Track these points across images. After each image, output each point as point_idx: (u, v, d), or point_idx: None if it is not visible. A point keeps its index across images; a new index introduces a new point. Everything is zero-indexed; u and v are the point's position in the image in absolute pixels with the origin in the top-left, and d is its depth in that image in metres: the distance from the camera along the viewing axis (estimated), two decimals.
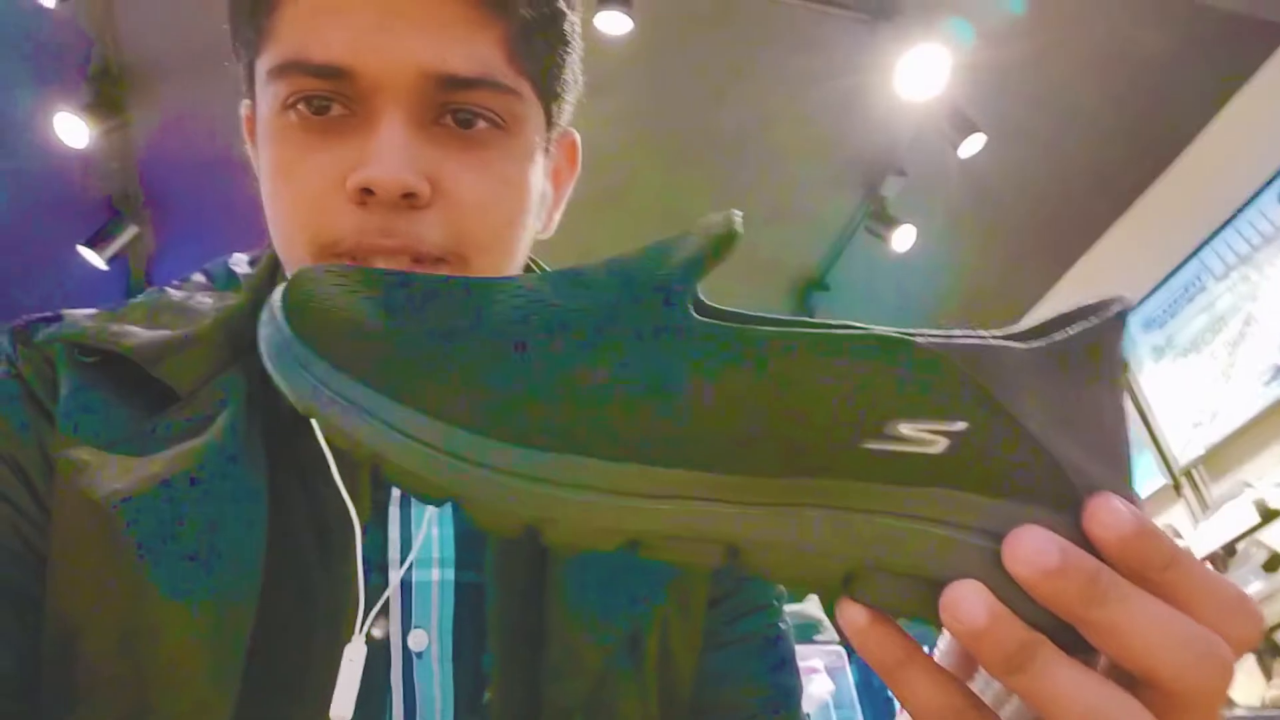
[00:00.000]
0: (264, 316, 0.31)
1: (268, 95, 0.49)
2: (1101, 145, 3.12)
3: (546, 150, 0.55)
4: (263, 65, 0.49)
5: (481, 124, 0.49)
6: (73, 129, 2.59)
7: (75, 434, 0.48)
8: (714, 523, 0.28)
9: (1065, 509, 0.28)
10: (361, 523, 0.50)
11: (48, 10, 2.28)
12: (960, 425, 0.28)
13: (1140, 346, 3.27)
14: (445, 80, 0.47)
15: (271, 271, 0.58)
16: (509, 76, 0.49)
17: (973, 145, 2.80)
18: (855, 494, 0.28)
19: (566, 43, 0.54)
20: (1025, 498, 0.28)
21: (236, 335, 0.53)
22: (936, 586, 0.28)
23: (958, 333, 0.30)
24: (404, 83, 0.47)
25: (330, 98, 0.47)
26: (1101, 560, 0.27)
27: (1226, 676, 0.27)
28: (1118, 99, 2.94)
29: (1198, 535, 2.90)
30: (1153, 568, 0.27)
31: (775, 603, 0.64)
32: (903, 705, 0.30)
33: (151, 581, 0.44)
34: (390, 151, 0.46)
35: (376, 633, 0.50)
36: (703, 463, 0.28)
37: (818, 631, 1.75)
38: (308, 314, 0.30)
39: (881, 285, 3.71)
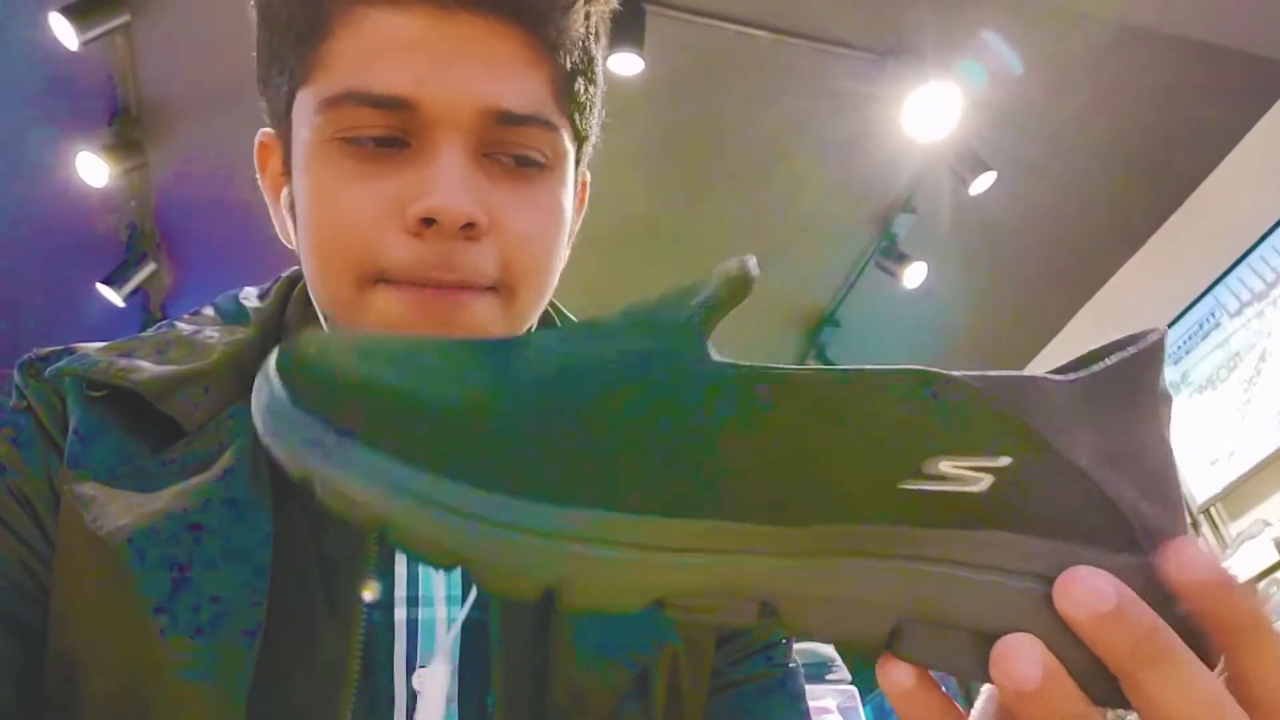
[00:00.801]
0: (258, 381, 0.30)
1: (316, 123, 0.49)
2: (1114, 182, 3.12)
3: (576, 186, 0.57)
4: (312, 94, 0.49)
5: (530, 159, 0.50)
6: (93, 169, 2.63)
7: (81, 468, 0.48)
8: (745, 577, 0.27)
9: (1122, 550, 0.27)
10: (368, 567, 0.50)
11: (71, 54, 2.33)
12: (1004, 461, 0.26)
13: None
14: (502, 116, 0.48)
15: (282, 304, 0.59)
16: (556, 115, 0.51)
17: (984, 183, 2.81)
18: (896, 539, 0.27)
19: (597, 86, 0.55)
20: (1078, 537, 0.27)
21: (244, 369, 0.53)
22: (984, 638, 0.26)
23: (995, 371, 0.28)
24: (464, 117, 0.48)
25: (387, 129, 0.48)
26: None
27: None
28: (1130, 136, 2.96)
29: None
30: (1231, 626, 0.26)
31: (784, 641, 0.64)
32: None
33: (154, 620, 0.44)
34: (453, 182, 0.47)
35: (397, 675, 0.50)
36: (731, 513, 0.26)
37: (829, 670, 1.73)
38: (305, 376, 0.29)
39: (892, 322, 3.71)
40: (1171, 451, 0.29)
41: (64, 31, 2.27)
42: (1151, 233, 3.40)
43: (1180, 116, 2.92)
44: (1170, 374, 3.18)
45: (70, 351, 0.54)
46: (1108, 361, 0.29)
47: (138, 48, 2.51)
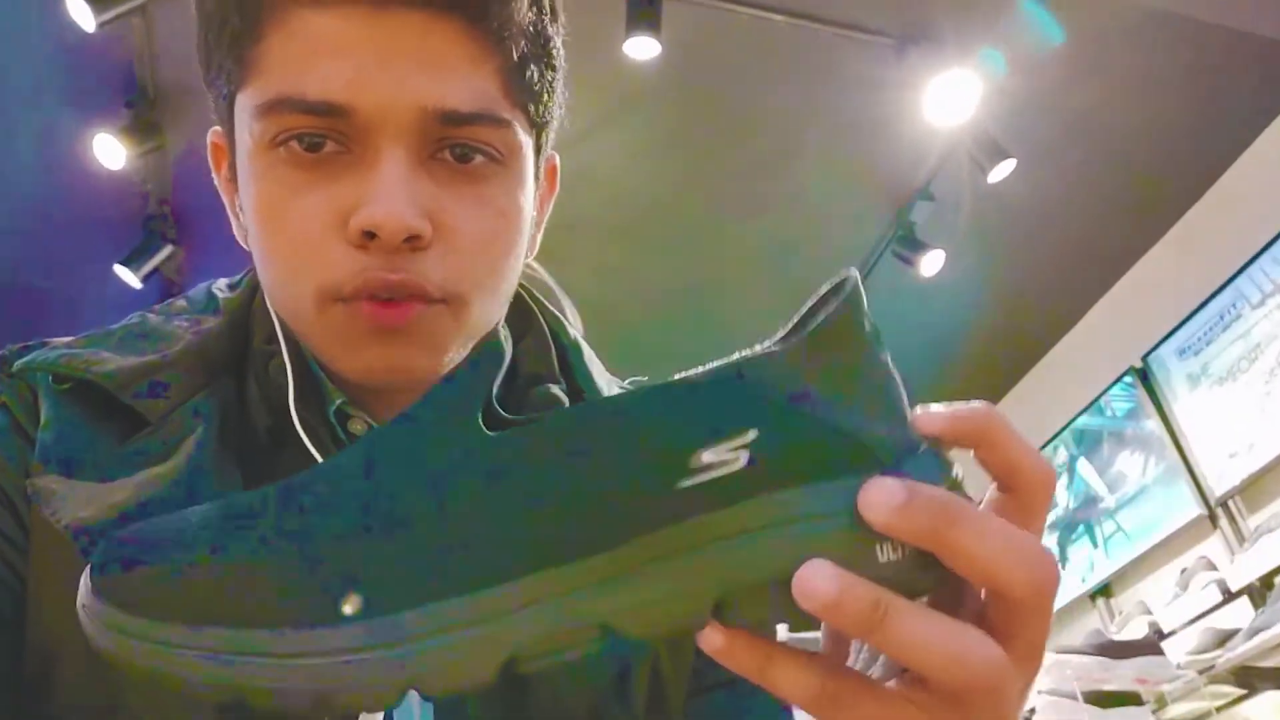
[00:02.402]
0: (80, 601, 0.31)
1: (254, 130, 0.47)
2: (1136, 171, 3.08)
3: (536, 177, 0.55)
4: (248, 99, 0.47)
5: (479, 158, 0.48)
6: (111, 151, 2.64)
7: (47, 460, 0.48)
8: (578, 611, 0.29)
9: (872, 470, 0.30)
10: None
11: (89, 35, 2.33)
12: (751, 434, 0.30)
13: (1175, 374, 3.22)
14: (445, 116, 0.46)
15: (251, 294, 0.58)
16: (505, 109, 0.48)
17: (1003, 171, 2.78)
18: (692, 531, 0.29)
19: (555, 69, 0.53)
20: (834, 473, 0.30)
21: (210, 359, 0.53)
22: (790, 585, 0.29)
23: (716, 363, 0.32)
24: (403, 120, 0.46)
25: (325, 135, 0.46)
26: None
27: (1057, 578, 0.31)
28: (1153, 124, 2.92)
29: (1234, 568, 2.83)
30: (942, 529, 0.30)
31: None
32: (787, 701, 0.32)
33: None
34: (392, 192, 0.45)
35: None
36: (545, 561, 0.29)
37: None
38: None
39: (908, 310, 3.68)
40: (888, 369, 0.33)
41: (81, 13, 2.27)
42: (1173, 222, 3.36)
43: (1204, 104, 2.88)
44: (1190, 365, 3.15)
45: (42, 345, 0.54)
46: (815, 321, 0.32)
47: (155, 29, 2.51)
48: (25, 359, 0.52)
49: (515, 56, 0.48)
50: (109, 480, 0.47)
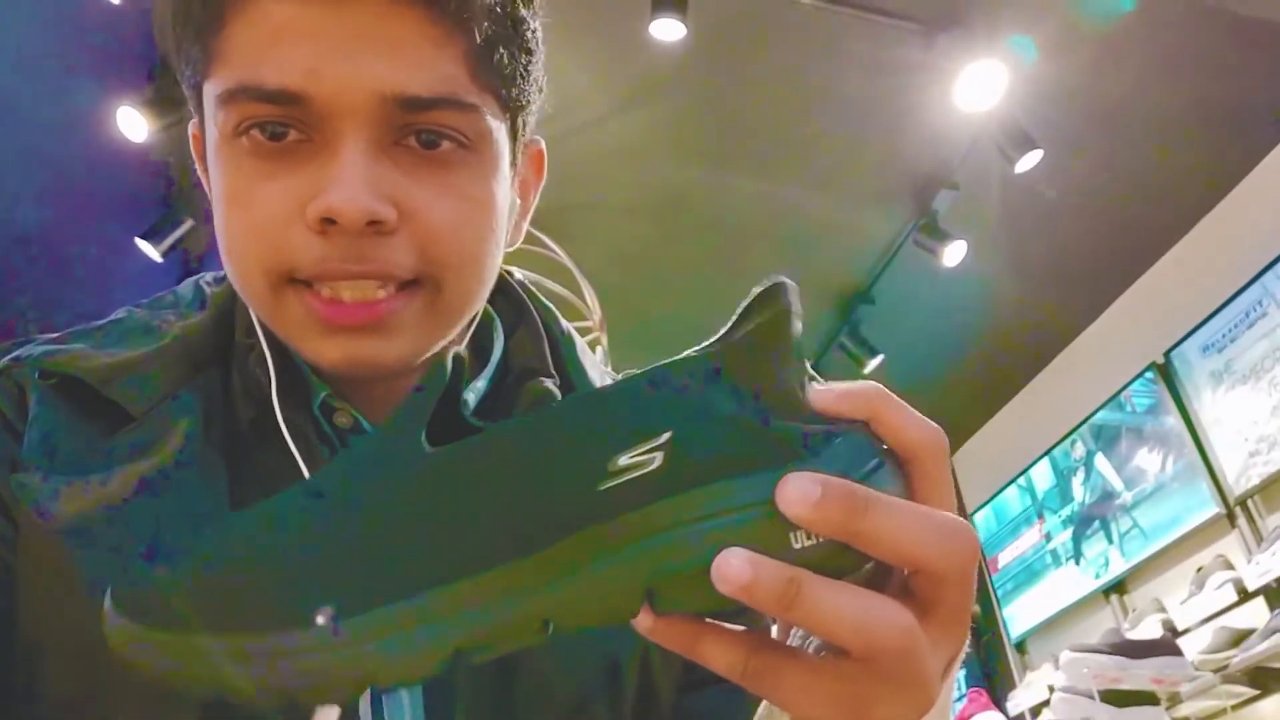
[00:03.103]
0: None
1: (218, 120, 0.47)
2: (1164, 163, 3.04)
3: (514, 163, 0.55)
4: (212, 88, 0.47)
5: (445, 144, 0.48)
6: (133, 124, 2.65)
7: (33, 456, 0.48)
8: (520, 607, 0.32)
9: (786, 463, 0.32)
10: None
11: (113, 7, 2.33)
12: (665, 435, 0.32)
13: (1197, 371, 3.18)
14: (405, 102, 0.46)
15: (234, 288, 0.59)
16: (472, 93, 0.48)
17: (1030, 161, 2.74)
18: (615, 531, 0.32)
19: (530, 52, 0.52)
20: (749, 467, 0.32)
21: (195, 353, 0.54)
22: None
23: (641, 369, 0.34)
24: (362, 107, 0.45)
25: (285, 123, 0.46)
26: None
27: (974, 548, 0.33)
28: (1182, 115, 2.87)
29: (1251, 567, 2.81)
30: (853, 521, 0.31)
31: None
32: (724, 676, 0.33)
33: (95, 604, 0.44)
34: (352, 178, 0.45)
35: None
36: (485, 563, 0.31)
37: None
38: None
39: (929, 300, 3.66)
40: (807, 371, 0.34)
41: None
42: (1200, 217, 3.31)
43: (1234, 95, 2.83)
44: (1214, 362, 3.11)
45: (29, 342, 0.54)
46: (743, 330, 0.34)
47: None
48: (11, 355, 0.53)
49: (480, 39, 0.47)
50: (95, 475, 0.48)
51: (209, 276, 0.62)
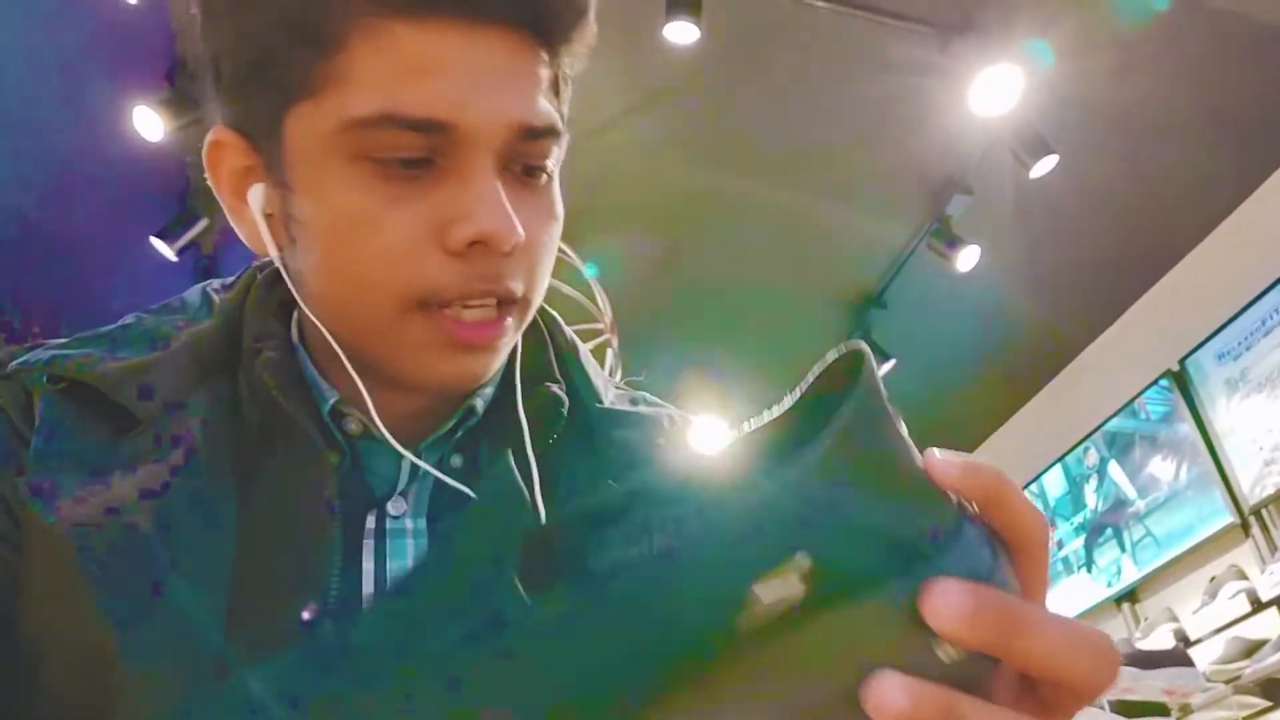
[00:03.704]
0: None
1: (337, 143, 0.47)
2: (1180, 169, 3.02)
3: None
4: (327, 111, 0.47)
5: (541, 170, 0.51)
6: (149, 123, 2.66)
7: (41, 461, 0.48)
8: None
9: (922, 569, 0.30)
10: (334, 549, 0.50)
11: (130, 6, 2.35)
12: (799, 556, 0.29)
13: (1213, 379, 3.16)
14: (526, 132, 0.49)
15: (244, 294, 0.59)
16: (560, 120, 0.51)
17: (1045, 166, 2.73)
18: (759, 663, 0.30)
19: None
20: (886, 578, 0.29)
21: (203, 359, 0.54)
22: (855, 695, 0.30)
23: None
24: (496, 136, 0.48)
25: (421, 151, 0.47)
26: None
27: (1117, 666, 0.31)
28: (1199, 120, 2.85)
29: (1265, 578, 2.78)
30: (1008, 639, 0.29)
31: None
32: None
33: (103, 610, 0.44)
34: (500, 204, 0.47)
35: None
36: (621, 708, 0.29)
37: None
38: None
39: (942, 305, 3.64)
40: (911, 450, 0.31)
41: None
42: (1217, 223, 3.29)
43: (1251, 101, 2.81)
44: (1229, 370, 3.09)
45: (38, 347, 0.55)
46: (837, 418, 0.30)
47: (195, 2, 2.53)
48: (19, 360, 0.53)
49: (564, 69, 0.51)
50: (102, 479, 0.48)
51: (216, 283, 0.62)
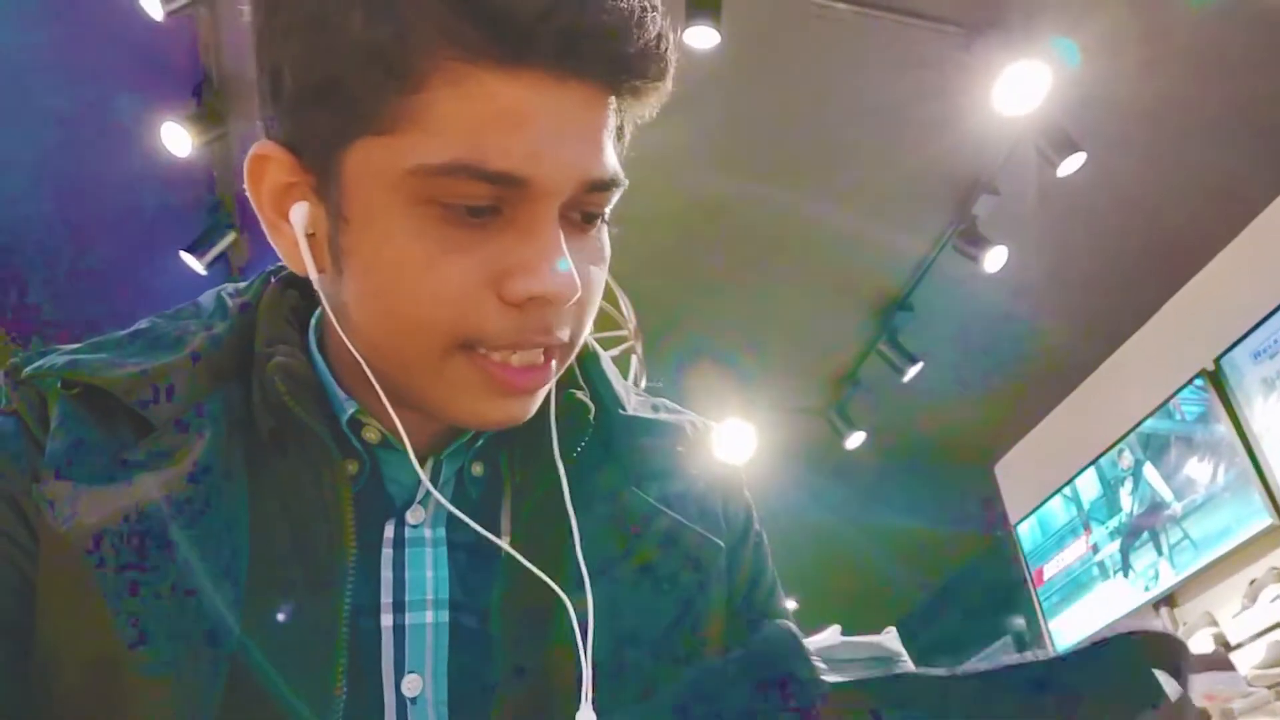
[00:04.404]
0: None
1: (406, 185, 0.46)
2: (1211, 164, 2.97)
3: None
4: (399, 152, 0.45)
5: (598, 217, 0.51)
6: (177, 138, 2.70)
7: (56, 467, 0.48)
8: None
9: None
10: (350, 571, 0.50)
11: (157, 23, 2.38)
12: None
13: (1249, 378, 3.10)
14: (592, 185, 0.48)
15: (257, 299, 0.58)
16: (620, 168, 0.51)
17: (1073, 164, 2.70)
18: None
19: None
20: None
21: (217, 364, 0.54)
22: None
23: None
24: (567, 190, 0.47)
25: (491, 201, 0.46)
26: None
27: None
28: (1229, 114, 2.81)
29: None
30: None
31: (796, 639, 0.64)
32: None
33: (116, 616, 0.44)
34: (561, 262, 0.47)
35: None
36: None
37: (896, 665, 1.70)
38: None
39: (969, 307, 3.61)
40: None
41: (150, 2, 2.31)
42: (1252, 218, 3.23)
43: None
44: (1265, 369, 3.03)
45: (52, 352, 0.55)
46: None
47: (221, 18, 2.56)
48: (34, 365, 0.53)
49: (624, 123, 0.51)
50: (117, 484, 0.48)
51: (230, 288, 0.62)
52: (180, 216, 3.05)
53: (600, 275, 0.52)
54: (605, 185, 0.49)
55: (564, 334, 0.50)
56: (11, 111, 2.71)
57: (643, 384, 2.84)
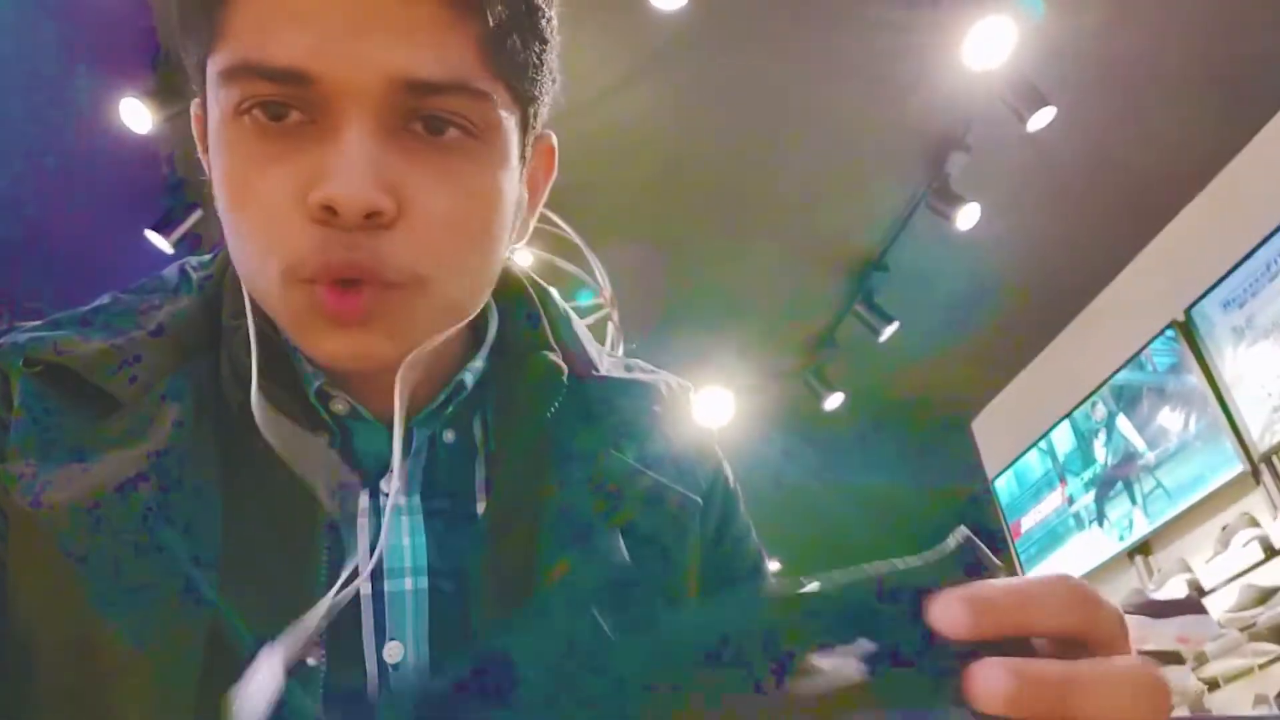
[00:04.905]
0: None
1: (219, 97, 0.45)
2: (1179, 117, 2.99)
3: (523, 156, 0.53)
4: (214, 65, 0.45)
5: (452, 131, 0.46)
6: (137, 114, 2.64)
7: (21, 445, 0.47)
8: None
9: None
10: (325, 541, 0.49)
11: None
12: (867, 645, 0.31)
13: (1219, 328, 3.14)
14: (414, 86, 0.44)
15: (223, 270, 0.57)
16: (483, 79, 0.46)
17: (1042, 119, 2.70)
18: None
19: (545, 40, 0.50)
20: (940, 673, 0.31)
21: (183, 337, 0.53)
22: None
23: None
24: (369, 89, 0.44)
25: (289, 104, 0.44)
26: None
27: (1171, 703, 0.32)
28: (1196, 69, 2.82)
29: (1277, 525, 2.78)
30: (1058, 708, 0.30)
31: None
32: None
33: (88, 593, 0.44)
34: (354, 166, 0.43)
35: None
36: None
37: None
38: None
39: (943, 265, 3.62)
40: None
41: None
42: (1219, 170, 3.26)
43: (1248, 48, 2.77)
44: (1235, 318, 3.07)
45: (12, 330, 0.53)
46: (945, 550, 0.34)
47: None
48: None
49: (493, 23, 0.45)
50: (84, 462, 0.47)
51: (194, 260, 0.61)
52: (145, 195, 2.99)
53: (460, 205, 0.47)
54: (435, 88, 0.44)
55: (388, 264, 0.45)
56: None
57: (620, 350, 2.83)
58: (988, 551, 0.34)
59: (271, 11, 0.43)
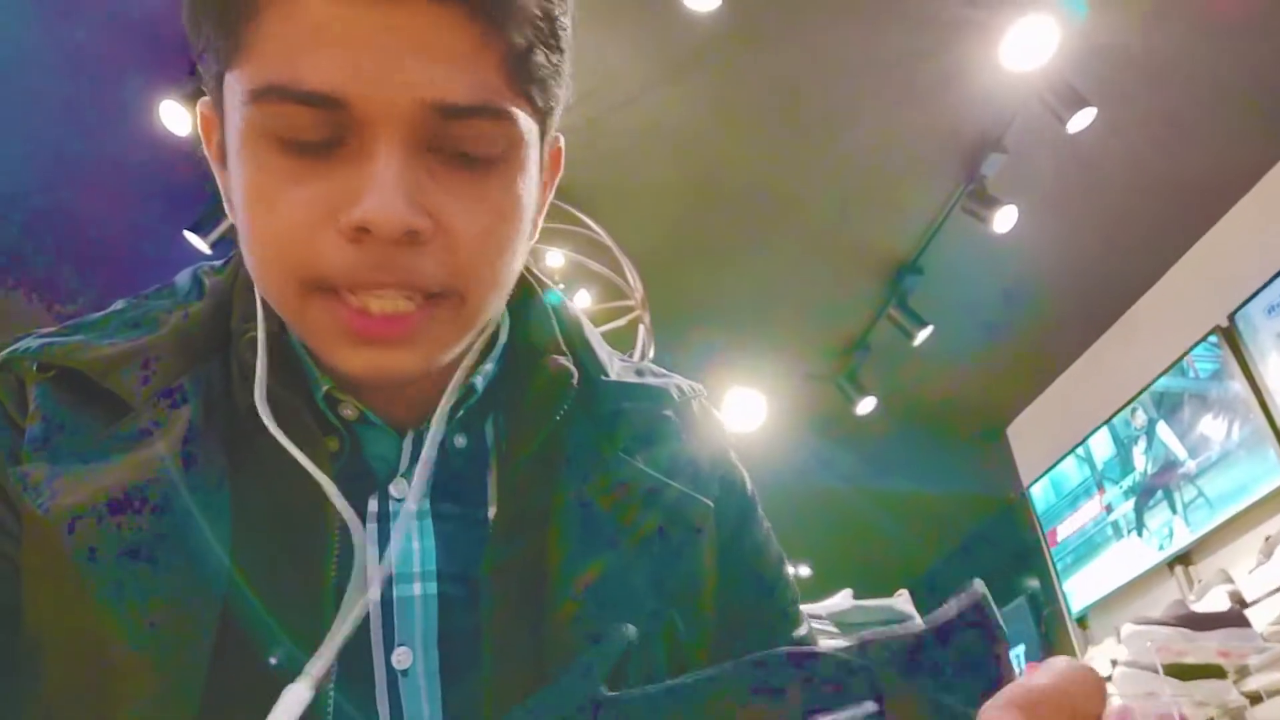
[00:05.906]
0: None
1: (245, 114, 0.45)
2: (1223, 118, 2.93)
3: (542, 164, 0.54)
4: (240, 81, 0.45)
5: (480, 152, 0.47)
6: (177, 117, 2.67)
7: (35, 449, 0.48)
8: None
9: None
10: (334, 546, 0.50)
11: (153, 1, 2.35)
12: (870, 706, 0.32)
13: (1263, 333, 3.07)
14: (444, 109, 0.45)
15: (234, 275, 0.58)
16: (508, 99, 0.46)
17: (1082, 120, 2.65)
18: None
19: (563, 50, 0.50)
20: None
21: (194, 342, 0.54)
22: None
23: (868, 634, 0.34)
24: (401, 113, 0.44)
25: (321, 126, 0.44)
26: None
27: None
28: (1240, 68, 2.75)
29: None
30: None
31: (792, 610, 0.64)
32: None
33: (98, 595, 0.44)
34: (389, 188, 0.44)
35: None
36: None
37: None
38: None
39: (979, 268, 3.58)
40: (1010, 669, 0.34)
41: None
42: (1264, 172, 3.18)
43: None
44: (1275, 324, 3.00)
45: (29, 335, 0.54)
46: (950, 637, 0.33)
47: None
48: (10, 349, 0.53)
49: (523, 42, 0.46)
50: (97, 465, 0.48)
51: (206, 266, 0.62)
52: (184, 196, 3.04)
53: (490, 222, 0.48)
54: (464, 111, 0.45)
55: (428, 278, 0.46)
56: (12, 95, 2.70)
57: (650, 353, 2.83)
58: (998, 616, 0.34)
59: (300, 34, 0.43)
